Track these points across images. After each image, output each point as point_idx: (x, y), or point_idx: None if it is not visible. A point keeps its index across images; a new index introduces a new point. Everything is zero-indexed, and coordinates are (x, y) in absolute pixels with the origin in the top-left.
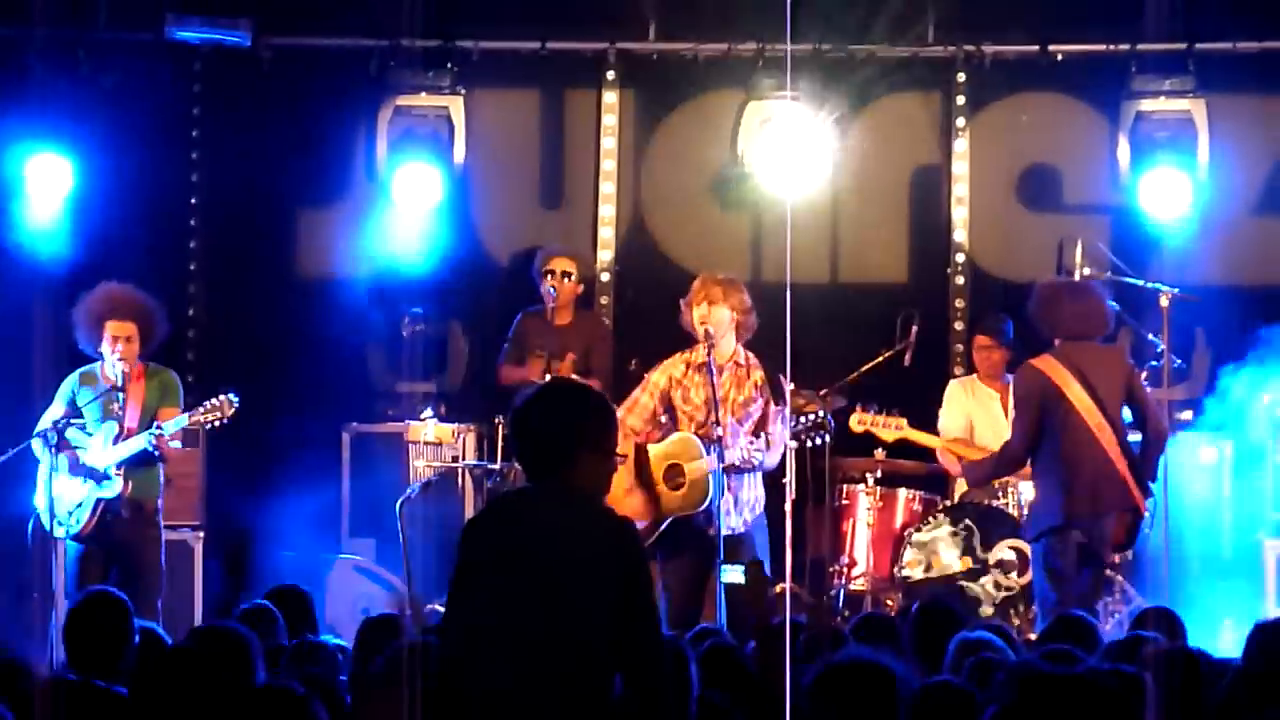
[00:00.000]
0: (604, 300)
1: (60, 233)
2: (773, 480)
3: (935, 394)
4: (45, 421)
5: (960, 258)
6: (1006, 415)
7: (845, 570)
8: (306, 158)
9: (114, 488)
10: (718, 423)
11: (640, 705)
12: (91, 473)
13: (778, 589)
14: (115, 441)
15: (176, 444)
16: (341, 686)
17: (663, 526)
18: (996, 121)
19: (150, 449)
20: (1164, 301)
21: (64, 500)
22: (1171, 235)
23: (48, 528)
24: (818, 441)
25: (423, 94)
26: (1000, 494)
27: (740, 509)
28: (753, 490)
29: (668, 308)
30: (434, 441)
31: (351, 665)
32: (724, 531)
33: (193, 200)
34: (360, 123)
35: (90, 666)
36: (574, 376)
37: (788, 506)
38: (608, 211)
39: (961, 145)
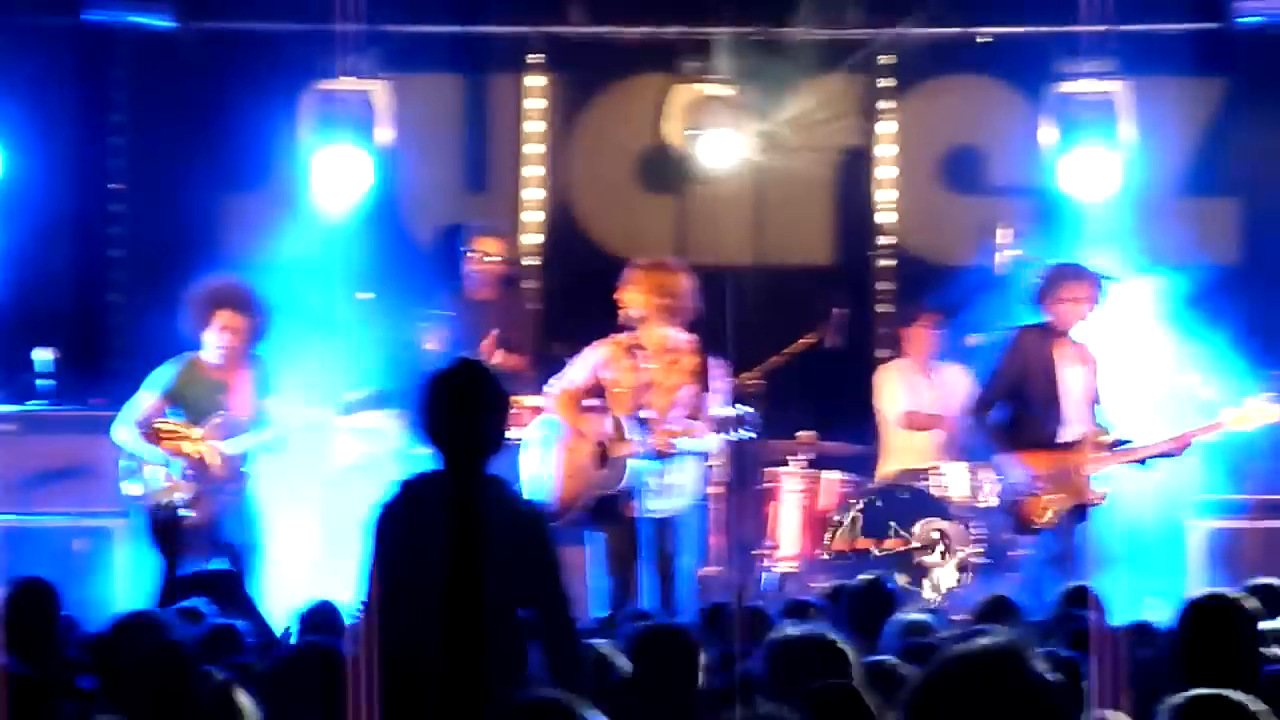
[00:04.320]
0: (529, 284)
1: None
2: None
3: (857, 375)
4: (136, 410)
5: (885, 240)
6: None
7: (771, 553)
8: (231, 143)
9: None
10: (641, 406)
11: (554, 677)
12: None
13: (699, 574)
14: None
15: None
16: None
17: (582, 504)
18: (921, 104)
19: None
20: None
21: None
22: (1095, 217)
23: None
24: (738, 436)
25: (345, 78)
26: (924, 477)
27: (670, 493)
28: (684, 475)
29: (593, 292)
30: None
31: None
32: (655, 514)
33: (114, 186)
34: (283, 107)
35: (24, 654)
36: (498, 353)
37: (712, 490)
38: (533, 195)
39: (886, 128)
